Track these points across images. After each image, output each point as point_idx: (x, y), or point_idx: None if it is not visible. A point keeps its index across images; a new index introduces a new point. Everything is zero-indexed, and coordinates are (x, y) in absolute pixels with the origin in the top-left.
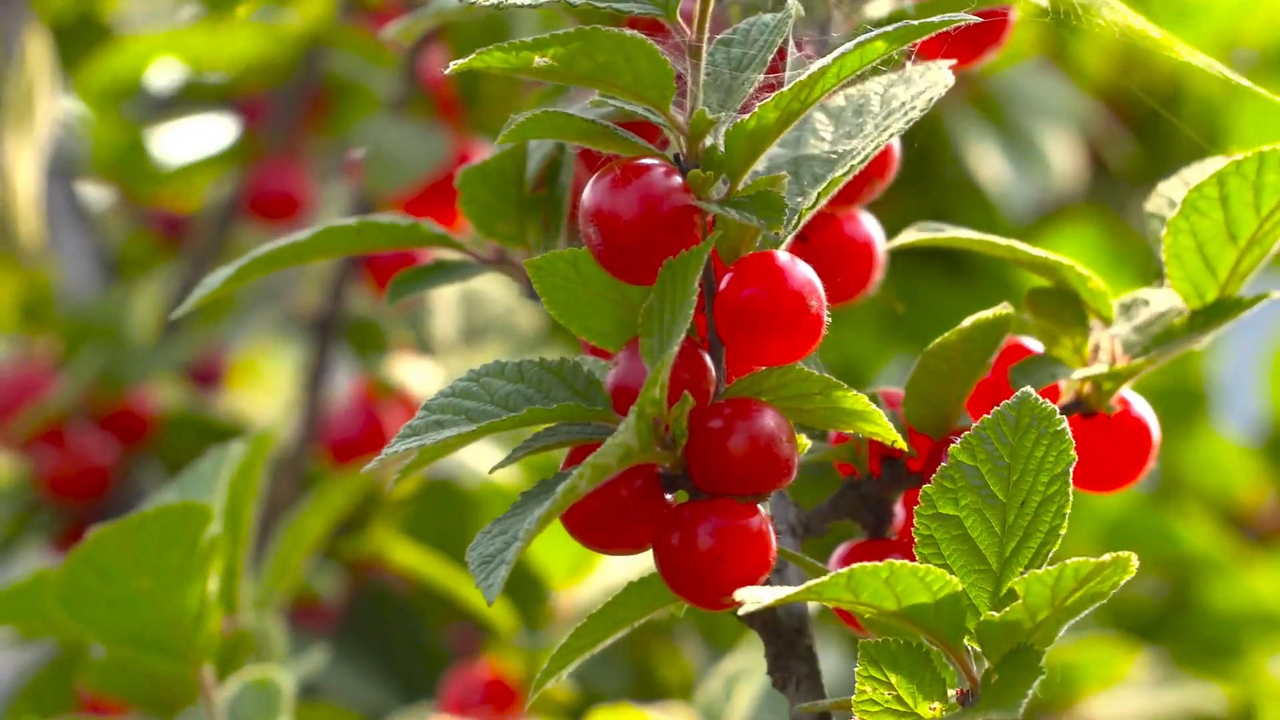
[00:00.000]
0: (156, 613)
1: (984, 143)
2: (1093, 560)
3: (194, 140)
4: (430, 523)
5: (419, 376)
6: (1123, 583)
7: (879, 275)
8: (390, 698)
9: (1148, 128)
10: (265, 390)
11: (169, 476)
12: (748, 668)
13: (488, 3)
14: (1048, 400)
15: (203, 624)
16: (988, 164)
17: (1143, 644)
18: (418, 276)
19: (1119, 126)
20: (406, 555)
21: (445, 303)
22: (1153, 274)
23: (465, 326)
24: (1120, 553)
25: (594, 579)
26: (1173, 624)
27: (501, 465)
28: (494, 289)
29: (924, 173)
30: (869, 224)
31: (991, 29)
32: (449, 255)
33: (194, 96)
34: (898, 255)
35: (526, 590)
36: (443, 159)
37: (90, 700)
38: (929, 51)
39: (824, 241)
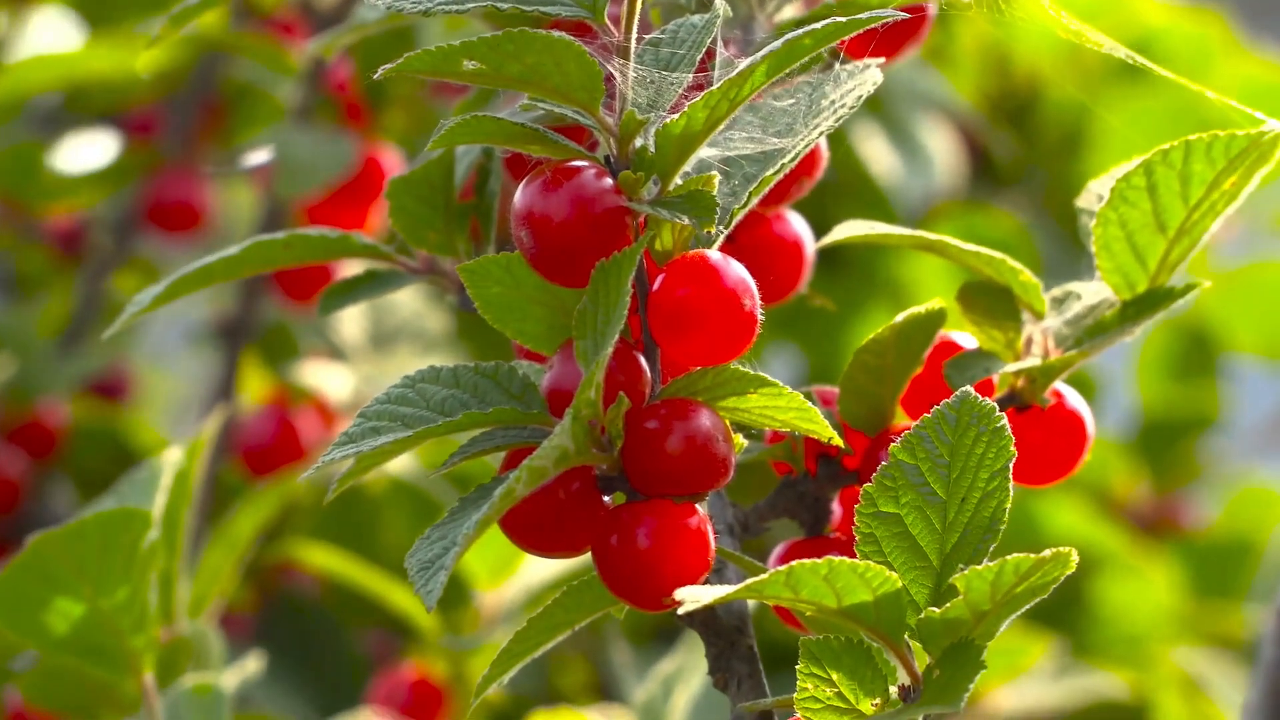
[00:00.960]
0: (97, 620)
1: (873, 137)
2: (1033, 556)
3: (86, 153)
4: (338, 525)
5: (331, 381)
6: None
7: (808, 274)
8: (311, 706)
9: (1012, 129)
10: (167, 401)
11: (78, 491)
12: (685, 667)
13: (415, 10)
14: (987, 399)
15: (144, 631)
16: (878, 158)
17: (1043, 629)
18: (348, 288)
19: (987, 122)
20: (325, 560)
21: (354, 309)
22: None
23: (375, 331)
24: (1060, 548)
25: (517, 579)
26: (1068, 615)
27: (440, 471)
28: (403, 294)
29: (837, 136)
30: (798, 223)
31: (913, 24)
32: (378, 266)
33: (80, 110)
34: None
35: (450, 592)
36: (350, 163)
37: (21, 712)
38: (854, 49)
39: (753, 241)
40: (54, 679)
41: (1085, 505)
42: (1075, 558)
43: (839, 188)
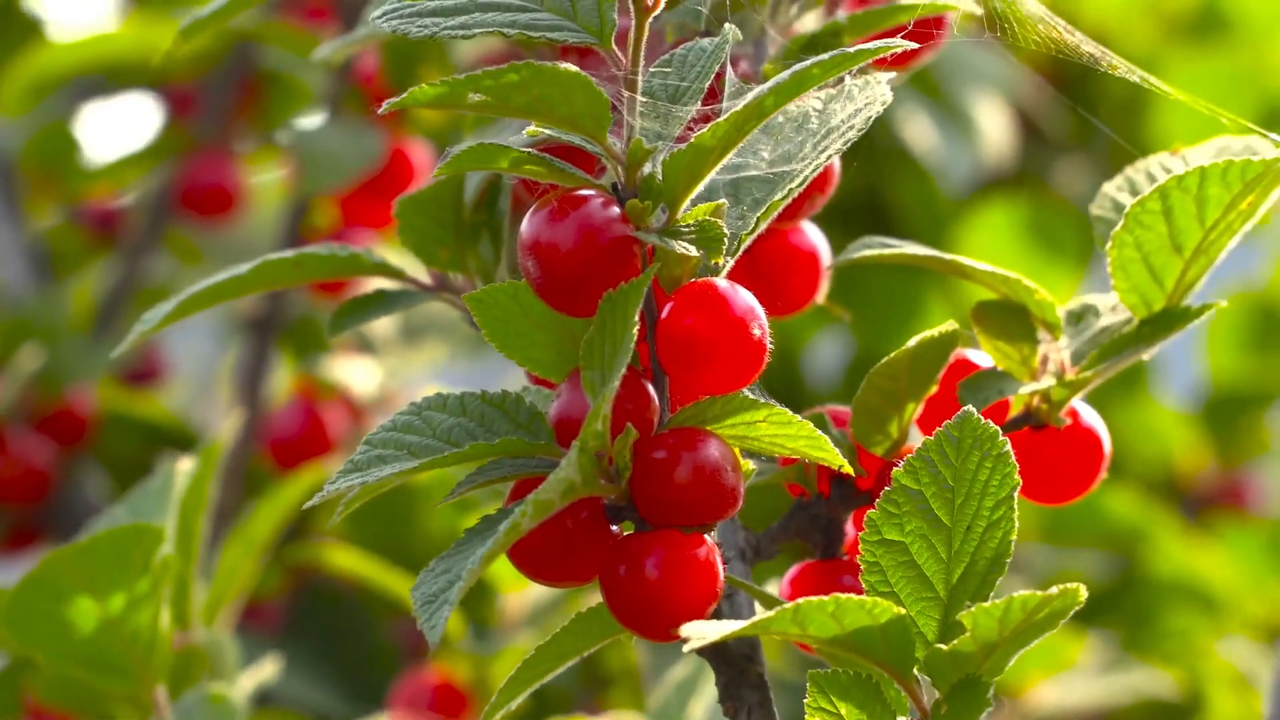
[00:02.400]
0: (109, 635)
1: (919, 115)
2: (1039, 594)
3: (122, 130)
4: (373, 517)
5: (358, 375)
6: (1074, 597)
7: (824, 286)
8: (338, 699)
9: (1077, 89)
10: (203, 388)
11: (109, 477)
12: (701, 673)
13: (420, 34)
14: (990, 420)
15: (156, 645)
16: (923, 137)
17: (1088, 625)
18: (359, 307)
19: (1049, 89)
20: (348, 561)
21: None
22: (1082, 249)
23: (404, 325)
24: (1068, 584)
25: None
26: (1118, 603)
27: (446, 500)
28: None
29: (861, 146)
30: (813, 235)
31: (930, 32)
32: (390, 284)
33: (120, 80)
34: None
35: (473, 594)
36: (376, 157)
37: (37, 709)
38: None
39: (768, 253)
40: (67, 684)
41: (1138, 487)
42: (1084, 594)
43: (891, 159)
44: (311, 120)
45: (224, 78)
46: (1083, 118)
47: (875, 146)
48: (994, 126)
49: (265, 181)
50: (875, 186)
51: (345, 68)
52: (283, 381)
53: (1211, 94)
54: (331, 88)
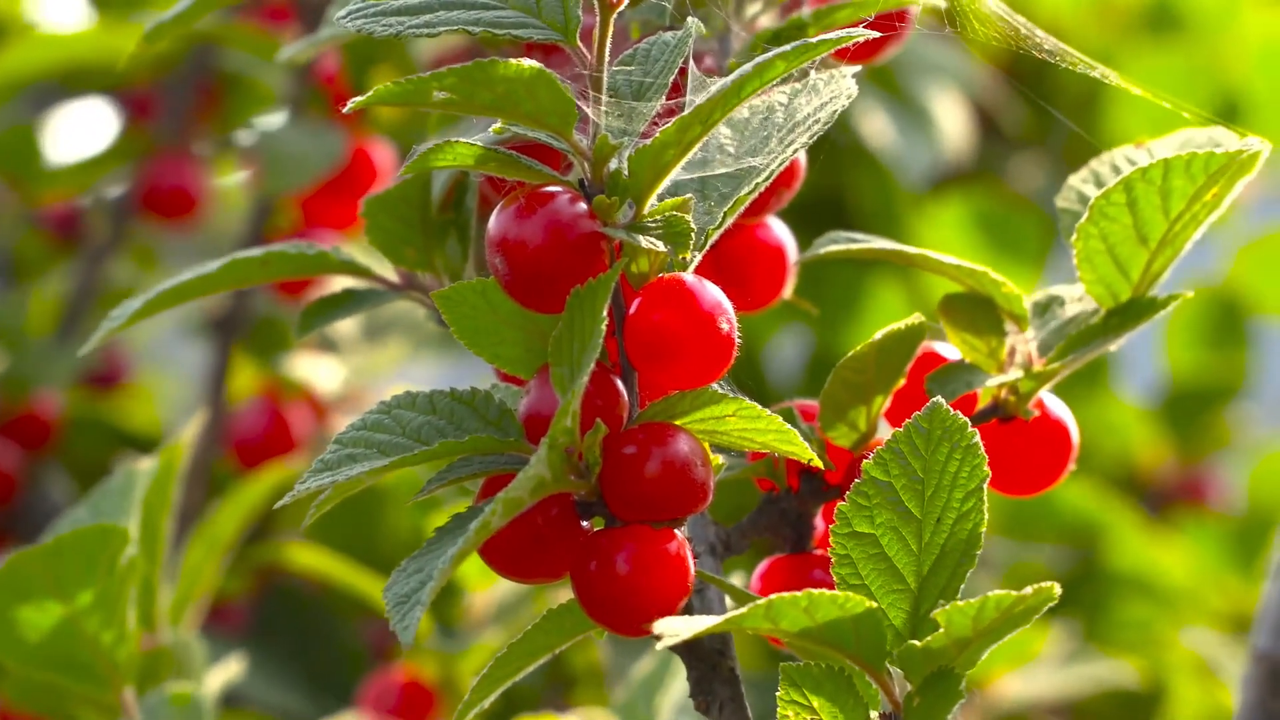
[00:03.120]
0: (75, 637)
1: (877, 111)
2: (1013, 594)
3: (81, 132)
4: (340, 517)
5: (322, 374)
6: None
7: (791, 281)
8: (305, 699)
9: (1034, 81)
10: (162, 389)
11: (74, 481)
12: (666, 669)
13: (385, 33)
14: (959, 412)
15: (123, 647)
16: (881, 132)
17: (1052, 617)
18: (328, 306)
19: (1005, 83)
20: (314, 560)
21: None
22: (1039, 244)
23: (368, 323)
24: (1043, 584)
25: (507, 580)
26: (1079, 595)
27: (417, 498)
28: None
29: (820, 141)
30: (779, 230)
31: (893, 24)
32: (357, 283)
33: (80, 84)
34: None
35: (440, 593)
36: (338, 157)
37: (5, 712)
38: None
39: (735, 249)
40: (34, 688)
41: (1098, 482)
42: (1058, 591)
43: (849, 155)
44: (273, 121)
45: (184, 80)
46: (1039, 114)
47: (835, 142)
48: (952, 122)
49: (227, 183)
50: (833, 182)
51: (306, 69)
52: (245, 381)
53: (1167, 89)
54: (292, 88)
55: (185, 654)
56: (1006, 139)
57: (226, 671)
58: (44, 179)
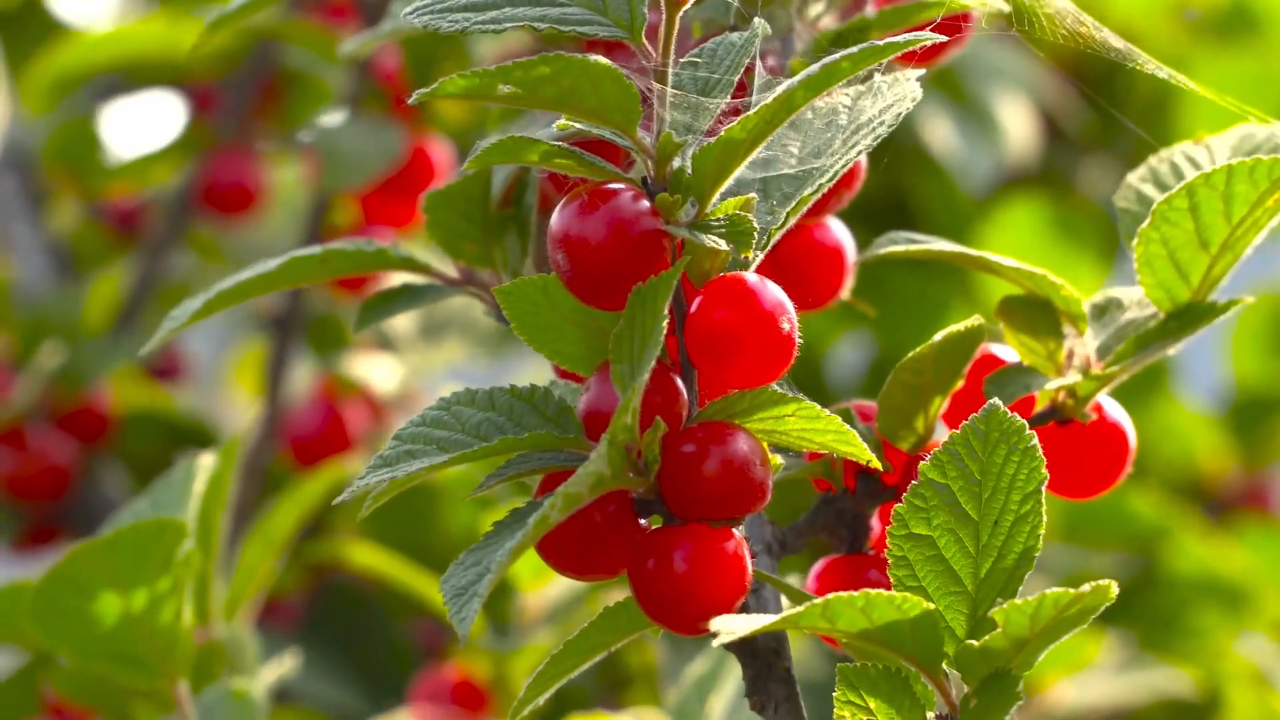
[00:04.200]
0: (132, 630)
1: (940, 115)
2: (1071, 591)
3: (144, 126)
4: (394, 514)
5: (379, 373)
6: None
7: (849, 281)
8: (357, 697)
9: (1102, 85)
10: (226, 385)
11: (130, 474)
12: (720, 670)
13: (451, 29)
14: (1017, 414)
15: (178, 640)
16: (943, 137)
17: (1107, 625)
18: (385, 301)
19: (1072, 86)
20: (369, 558)
21: None
22: (1105, 247)
23: (424, 322)
24: (1099, 581)
25: (560, 580)
26: (1137, 602)
27: (475, 494)
28: None
29: (885, 144)
30: (839, 230)
31: (957, 26)
32: (416, 278)
33: (143, 78)
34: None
35: (493, 592)
36: (397, 155)
37: (57, 706)
38: None
39: (794, 249)
40: (86, 679)
41: (1159, 489)
42: (1115, 590)
43: (912, 158)
44: (332, 118)
45: (245, 76)
46: (1107, 117)
47: (898, 145)
48: (1017, 125)
49: (285, 180)
50: (897, 185)
51: (365, 66)
52: (303, 379)
53: (1238, 93)
54: (352, 86)
55: (239, 649)
56: (1073, 143)
57: (280, 668)
58: (104, 173)
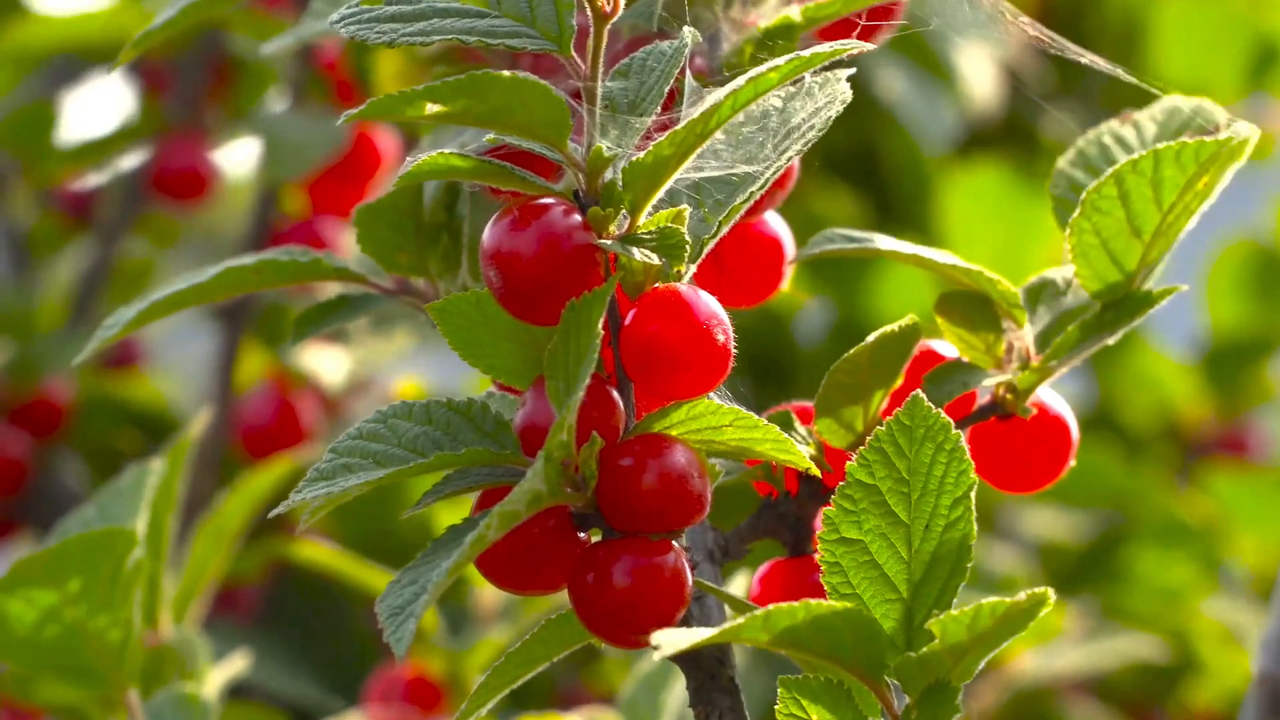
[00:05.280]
0: (80, 641)
1: (899, 71)
2: (1007, 600)
3: (95, 112)
4: (356, 505)
5: (328, 365)
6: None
7: (788, 274)
8: (313, 687)
9: (1066, 34)
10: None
11: (86, 464)
12: (670, 665)
13: (379, 41)
14: (941, 410)
15: (127, 650)
16: (902, 97)
17: (1074, 590)
18: (323, 312)
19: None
20: (320, 555)
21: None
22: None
23: (375, 314)
24: (1036, 589)
25: None
26: (1104, 564)
27: (410, 513)
28: None
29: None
30: (776, 224)
31: (886, 13)
32: (352, 289)
33: (96, 60)
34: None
35: (448, 588)
36: (339, 143)
37: (13, 708)
38: (832, 35)
39: (732, 244)
40: (39, 688)
41: (1138, 440)
42: (1053, 597)
43: (878, 114)
44: (275, 107)
45: (196, 61)
46: (1071, 66)
47: (866, 99)
48: (980, 77)
49: (235, 167)
50: (866, 140)
51: (308, 54)
52: (253, 369)
53: (1205, 35)
54: (295, 74)
55: (189, 651)
56: (1040, 89)
57: (231, 668)
58: (56, 158)
